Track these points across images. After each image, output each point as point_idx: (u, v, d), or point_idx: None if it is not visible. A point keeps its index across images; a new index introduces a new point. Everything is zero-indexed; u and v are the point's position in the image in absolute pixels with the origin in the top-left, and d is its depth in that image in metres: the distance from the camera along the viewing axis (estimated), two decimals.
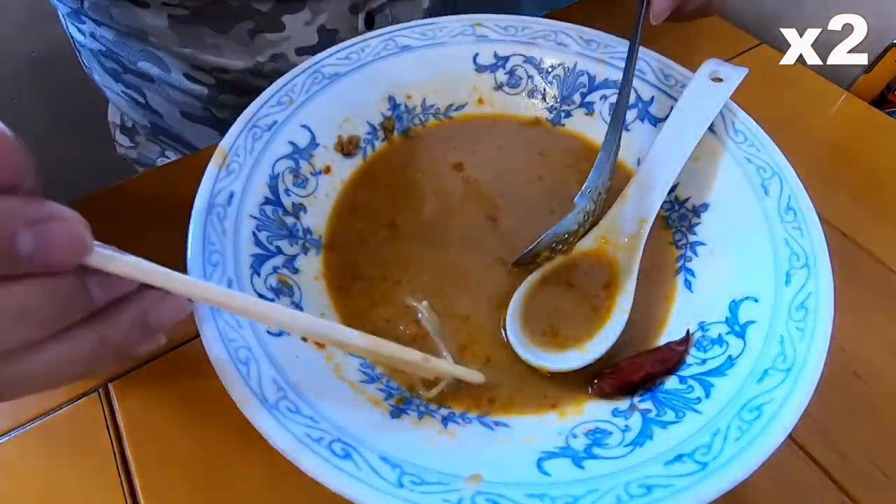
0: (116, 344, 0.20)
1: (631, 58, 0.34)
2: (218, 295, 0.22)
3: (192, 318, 0.25)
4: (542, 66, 0.39)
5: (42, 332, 0.18)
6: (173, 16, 0.45)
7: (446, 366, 0.27)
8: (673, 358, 0.29)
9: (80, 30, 0.51)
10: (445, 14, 0.39)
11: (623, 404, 0.28)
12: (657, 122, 0.37)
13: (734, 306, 0.29)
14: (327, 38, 0.48)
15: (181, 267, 0.27)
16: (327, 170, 0.35)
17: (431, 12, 0.52)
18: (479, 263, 0.33)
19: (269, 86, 0.34)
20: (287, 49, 0.47)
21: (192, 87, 0.49)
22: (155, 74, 0.49)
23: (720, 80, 0.34)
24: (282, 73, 0.35)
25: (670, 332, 0.30)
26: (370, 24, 0.49)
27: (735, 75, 0.34)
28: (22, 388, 0.19)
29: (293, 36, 0.46)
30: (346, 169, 0.36)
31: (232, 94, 0.50)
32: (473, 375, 0.28)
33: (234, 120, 0.32)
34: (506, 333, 0.30)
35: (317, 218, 0.34)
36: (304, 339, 0.27)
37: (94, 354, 0.19)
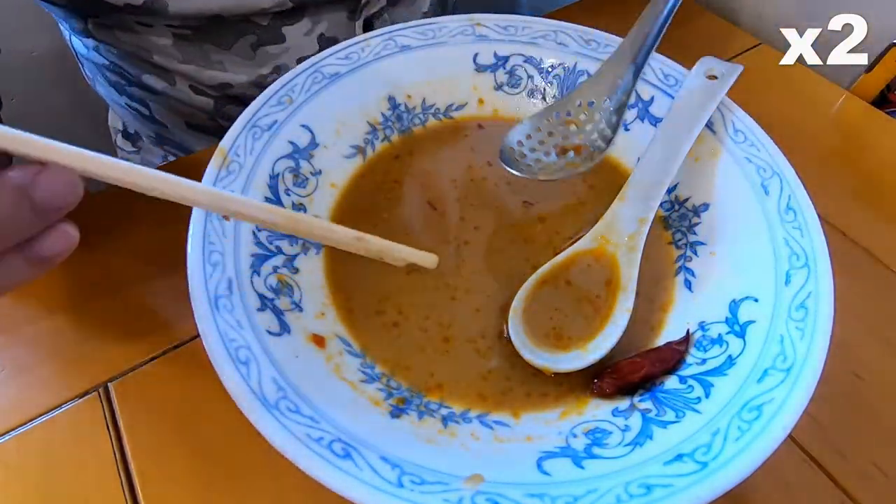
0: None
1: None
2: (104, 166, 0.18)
3: (192, 317, 0.25)
4: (543, 66, 0.39)
5: None
6: (178, 34, 0.45)
7: (388, 245, 0.24)
8: (673, 358, 0.29)
9: (84, 44, 0.51)
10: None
11: (623, 404, 0.28)
12: (657, 121, 0.37)
13: (734, 306, 0.29)
14: (327, 46, 0.47)
15: (181, 266, 0.27)
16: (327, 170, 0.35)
17: (429, 16, 0.52)
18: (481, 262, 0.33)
19: None
20: (289, 60, 0.47)
21: (198, 99, 0.49)
22: (160, 88, 0.50)
23: (715, 77, 0.34)
24: None
25: (670, 332, 0.30)
26: (369, 31, 0.49)
27: (730, 72, 0.34)
28: None
29: (294, 46, 0.47)
30: (346, 169, 0.36)
31: (237, 107, 0.50)
32: (424, 256, 0.25)
33: None
34: (508, 334, 0.30)
35: None
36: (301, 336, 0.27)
37: None
